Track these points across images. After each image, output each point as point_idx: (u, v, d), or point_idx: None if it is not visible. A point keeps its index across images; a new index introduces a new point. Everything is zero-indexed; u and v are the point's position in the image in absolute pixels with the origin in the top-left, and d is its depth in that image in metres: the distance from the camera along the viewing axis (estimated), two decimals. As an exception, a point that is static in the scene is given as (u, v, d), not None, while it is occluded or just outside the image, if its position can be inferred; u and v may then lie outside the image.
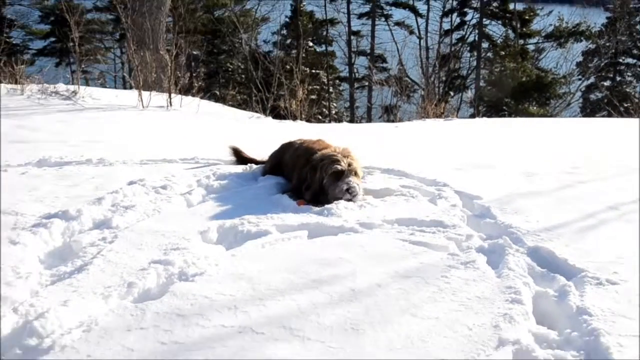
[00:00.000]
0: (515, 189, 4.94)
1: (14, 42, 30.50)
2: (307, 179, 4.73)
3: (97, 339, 2.47)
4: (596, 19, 35.63)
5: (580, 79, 34.04)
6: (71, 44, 12.53)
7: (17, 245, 3.44)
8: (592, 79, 34.61)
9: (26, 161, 5.57)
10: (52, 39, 34.11)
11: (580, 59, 35.08)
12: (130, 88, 15.09)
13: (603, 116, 23.94)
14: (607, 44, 33.44)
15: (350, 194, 4.46)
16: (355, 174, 4.62)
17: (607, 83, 34.93)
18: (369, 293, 2.91)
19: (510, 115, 25.84)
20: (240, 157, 5.90)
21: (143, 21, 14.18)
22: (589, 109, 33.45)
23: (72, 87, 11.78)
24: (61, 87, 11.77)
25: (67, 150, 6.18)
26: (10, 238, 3.53)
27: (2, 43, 14.31)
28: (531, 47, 35.43)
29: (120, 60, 36.75)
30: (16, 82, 11.71)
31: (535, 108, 27.85)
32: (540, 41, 35.72)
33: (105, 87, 25.57)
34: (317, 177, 4.63)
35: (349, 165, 4.60)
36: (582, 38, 33.93)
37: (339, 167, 4.56)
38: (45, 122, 8.31)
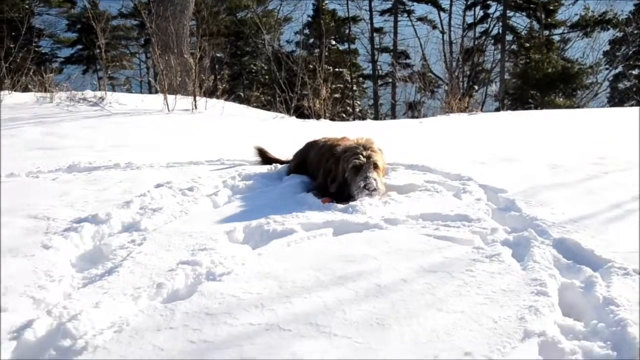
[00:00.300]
0: (540, 181, 4.92)
1: (42, 51, 31.02)
2: (332, 170, 4.76)
3: (128, 339, 2.53)
4: (623, 6, 35.06)
5: (607, 69, 33.53)
6: (97, 50, 12.72)
7: (50, 250, 3.52)
8: (619, 68, 34.05)
9: (56, 167, 5.68)
10: (79, 47, 34.67)
11: (607, 48, 34.57)
12: (156, 92, 15.25)
13: (632, 105, 23.57)
14: (635, 32, 32.88)
15: (367, 190, 4.47)
16: (375, 166, 4.60)
17: (635, 72, 34.34)
18: (395, 288, 2.93)
19: (536, 108, 25.57)
20: (265, 157, 5.95)
21: (167, 26, 14.32)
22: (617, 99, 32.96)
23: (99, 94, 11.98)
24: (89, 93, 11.97)
25: (95, 155, 6.29)
26: (43, 242, 3.61)
27: (32, 52, 14.58)
28: (556, 38, 35.01)
29: (145, 65, 37.21)
30: (45, 90, 11.93)
31: (561, 99, 27.53)
32: (566, 31, 35.28)
33: (131, 92, 25.90)
34: (340, 169, 4.66)
35: (368, 157, 4.58)
36: (608, 27, 33.40)
37: (357, 162, 4.56)
38: (74, 128, 8.47)
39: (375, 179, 4.51)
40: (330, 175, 4.75)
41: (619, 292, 2.82)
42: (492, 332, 2.52)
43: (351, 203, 4.34)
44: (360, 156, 4.57)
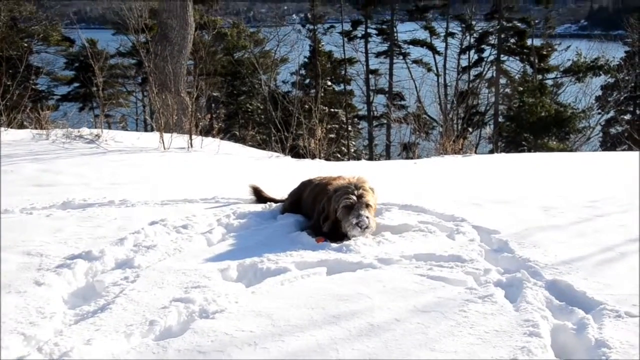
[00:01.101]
0: (533, 223, 4.94)
1: (39, 88, 31.20)
2: (325, 210, 4.79)
3: (120, 376, 2.52)
4: (614, 53, 35.57)
5: (599, 113, 33.83)
6: (95, 88, 12.79)
7: (42, 286, 3.51)
8: (611, 113, 34.39)
9: (51, 204, 5.68)
10: (76, 85, 34.85)
11: (600, 93, 34.95)
12: (152, 130, 15.31)
13: (624, 150, 23.76)
14: (627, 78, 33.31)
15: (360, 227, 4.49)
16: (367, 205, 4.63)
17: (627, 117, 34.69)
18: (388, 328, 2.93)
19: (529, 150, 25.73)
20: (259, 196, 5.96)
21: (165, 65, 14.45)
22: (609, 143, 33.20)
23: (95, 131, 11.99)
24: (85, 131, 11.99)
25: (90, 193, 6.29)
26: (36, 279, 3.61)
27: (29, 90, 14.66)
28: (549, 82, 35.39)
29: (141, 103, 37.39)
30: (41, 127, 11.96)
31: (554, 143, 27.70)
32: (559, 76, 35.71)
33: (127, 130, 25.98)
34: (332, 209, 4.68)
35: (360, 197, 4.60)
36: (600, 72, 33.78)
37: (348, 201, 4.58)
38: (70, 165, 8.47)
39: (367, 217, 4.54)
40: (323, 215, 4.78)
41: (610, 334, 2.83)
42: (485, 373, 2.52)
43: (345, 242, 4.36)
44: (352, 196, 4.60)
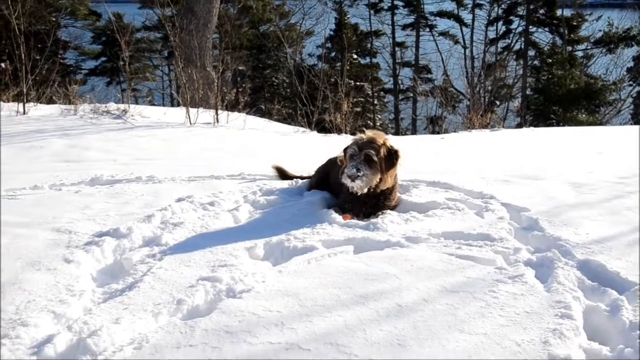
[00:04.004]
0: (564, 201, 4.85)
1: (67, 63, 31.43)
2: (342, 163, 4.82)
3: (148, 356, 2.52)
4: (648, 22, 34.68)
5: (631, 85, 33.13)
6: (121, 63, 12.85)
7: (71, 264, 3.53)
8: (643, 85, 33.64)
9: (79, 180, 5.72)
10: (103, 59, 35.06)
11: (631, 64, 34.15)
12: (178, 105, 15.33)
13: (656, 122, 23.26)
14: (660, 48, 32.53)
15: (349, 178, 4.47)
16: (368, 158, 4.51)
17: (659, 89, 33.89)
18: (416, 308, 2.90)
19: (558, 124, 25.33)
20: (284, 176, 5.94)
21: (190, 39, 14.45)
22: (641, 116, 32.55)
23: (122, 106, 12.07)
24: (112, 106, 12.07)
25: (118, 169, 6.33)
26: (65, 256, 3.63)
27: (57, 64, 14.77)
28: (580, 54, 34.69)
29: (168, 77, 37.51)
30: (69, 102, 12.06)
31: (584, 116, 27.21)
32: (589, 47, 34.95)
33: (154, 104, 26.08)
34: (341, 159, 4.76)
35: (361, 148, 4.53)
36: (633, 43, 33.01)
37: (349, 150, 4.61)
38: (97, 140, 8.54)
39: (358, 168, 4.47)
40: (342, 167, 4.79)
41: (646, 316, 2.76)
42: (516, 355, 2.48)
43: (372, 220, 4.32)
44: (355, 146, 4.58)
